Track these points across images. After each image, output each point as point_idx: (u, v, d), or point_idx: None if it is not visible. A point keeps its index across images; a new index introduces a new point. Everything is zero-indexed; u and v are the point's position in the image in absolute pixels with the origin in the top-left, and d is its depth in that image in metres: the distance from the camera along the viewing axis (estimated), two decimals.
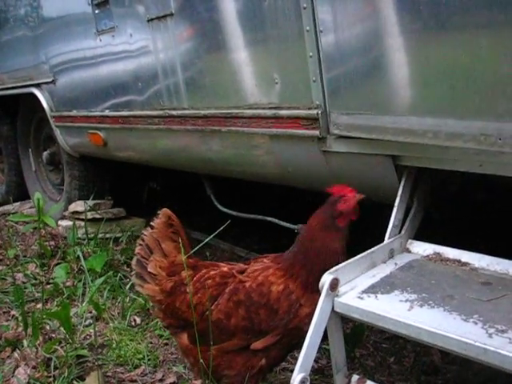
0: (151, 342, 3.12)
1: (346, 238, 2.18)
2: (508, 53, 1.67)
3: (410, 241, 2.28)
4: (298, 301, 2.11)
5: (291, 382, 1.84)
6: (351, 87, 2.24)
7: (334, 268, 1.93)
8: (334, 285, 1.89)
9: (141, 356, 2.98)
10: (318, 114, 2.38)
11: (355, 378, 2.07)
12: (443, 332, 1.63)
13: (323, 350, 2.83)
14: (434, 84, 1.92)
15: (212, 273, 2.29)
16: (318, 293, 1.91)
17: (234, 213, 3.46)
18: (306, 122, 2.45)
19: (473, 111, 1.81)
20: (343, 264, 1.98)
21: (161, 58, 3.27)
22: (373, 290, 1.93)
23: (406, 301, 1.84)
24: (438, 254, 2.18)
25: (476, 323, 1.67)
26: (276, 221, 3.20)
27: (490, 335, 1.60)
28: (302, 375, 1.83)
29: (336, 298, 1.90)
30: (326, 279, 1.88)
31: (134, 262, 2.44)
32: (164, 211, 2.40)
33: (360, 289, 1.94)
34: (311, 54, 2.34)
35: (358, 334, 2.84)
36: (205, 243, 3.29)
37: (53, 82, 4.45)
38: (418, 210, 2.32)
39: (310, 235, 2.19)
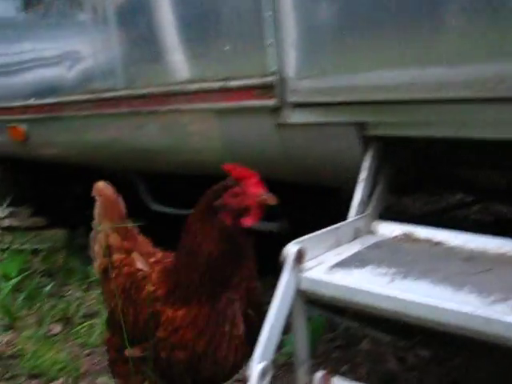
0: (72, 352, 2.73)
1: (232, 242, 1.60)
2: None
3: (375, 221, 2.03)
4: (162, 313, 1.65)
5: (250, 372, 1.53)
6: (315, 46, 2.01)
7: (298, 239, 1.64)
8: (300, 258, 1.60)
9: (60, 366, 2.58)
10: (273, 81, 2.13)
11: (319, 374, 1.78)
12: (435, 303, 1.36)
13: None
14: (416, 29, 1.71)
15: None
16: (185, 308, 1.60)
17: (168, 210, 3.13)
18: (259, 92, 2.19)
19: (468, 54, 1.60)
20: (307, 236, 1.69)
21: (91, 33, 2.95)
22: (344, 265, 1.66)
23: (385, 274, 1.58)
24: (408, 234, 1.94)
25: (471, 293, 1.42)
26: None
27: (492, 303, 1.35)
28: (262, 364, 1.52)
29: (301, 274, 1.61)
30: (291, 250, 1.59)
31: (91, 234, 2.14)
32: (96, 185, 2.13)
33: (328, 264, 1.66)
34: (270, 13, 2.09)
35: (318, 328, 2.56)
36: None
37: None
38: (384, 188, 2.08)
39: (187, 226, 1.67)
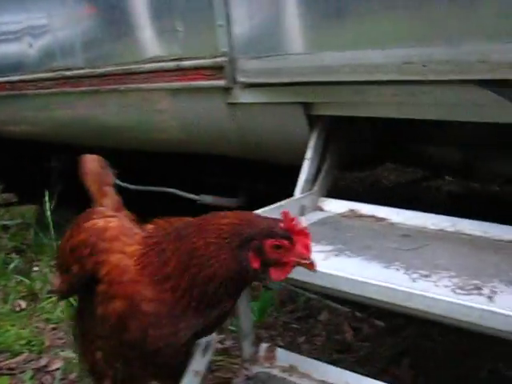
0: (37, 327, 2.79)
1: (242, 284, 1.41)
2: None
3: (322, 198, 2.10)
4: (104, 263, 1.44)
5: (195, 347, 1.60)
6: (261, 28, 2.05)
7: None
8: None
9: (24, 342, 2.64)
10: (223, 61, 2.16)
11: (263, 346, 1.86)
12: (363, 278, 1.43)
13: (229, 331, 2.61)
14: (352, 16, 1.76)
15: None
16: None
17: (132, 186, 3.16)
18: (210, 72, 2.23)
19: (395, 39, 1.65)
20: None
21: (52, 13, 2.95)
22: None
23: (321, 252, 1.65)
24: (353, 210, 2.02)
25: (398, 269, 1.50)
26: (177, 192, 2.95)
27: (414, 280, 1.43)
28: (205, 340, 1.59)
29: None
30: None
31: None
32: (82, 159, 1.98)
33: None
34: None
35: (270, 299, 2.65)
36: None
37: None
38: (331, 166, 2.14)
39: (200, 247, 1.35)
